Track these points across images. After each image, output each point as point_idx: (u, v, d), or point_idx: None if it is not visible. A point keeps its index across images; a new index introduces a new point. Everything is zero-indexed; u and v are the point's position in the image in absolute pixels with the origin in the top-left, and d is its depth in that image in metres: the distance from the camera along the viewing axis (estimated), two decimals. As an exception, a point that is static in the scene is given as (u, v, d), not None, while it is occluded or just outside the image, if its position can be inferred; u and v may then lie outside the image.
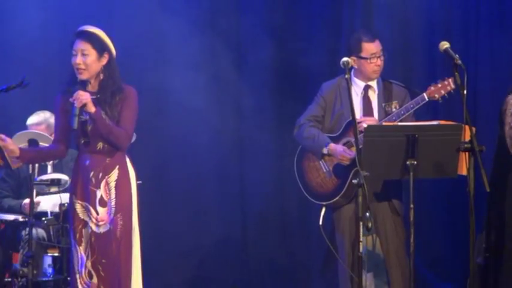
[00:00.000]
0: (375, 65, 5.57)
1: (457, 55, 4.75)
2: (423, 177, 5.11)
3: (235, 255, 7.29)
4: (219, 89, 7.22)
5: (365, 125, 5.15)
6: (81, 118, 4.89)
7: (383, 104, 5.61)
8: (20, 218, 6.14)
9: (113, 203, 4.97)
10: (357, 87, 5.65)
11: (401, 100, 5.60)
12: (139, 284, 5.05)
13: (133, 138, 5.35)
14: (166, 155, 7.28)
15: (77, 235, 4.97)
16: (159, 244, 6.99)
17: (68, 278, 5.59)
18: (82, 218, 4.98)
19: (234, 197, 7.31)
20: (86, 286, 4.94)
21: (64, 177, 6.06)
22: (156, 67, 7.17)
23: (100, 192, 4.97)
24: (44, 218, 6.15)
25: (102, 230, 4.96)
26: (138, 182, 5.15)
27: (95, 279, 4.93)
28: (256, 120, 7.21)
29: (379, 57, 5.57)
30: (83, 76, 4.96)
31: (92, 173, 4.98)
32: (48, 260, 6.15)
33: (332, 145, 5.53)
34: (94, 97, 4.93)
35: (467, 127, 4.75)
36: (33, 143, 5.75)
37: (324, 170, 5.60)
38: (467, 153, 4.70)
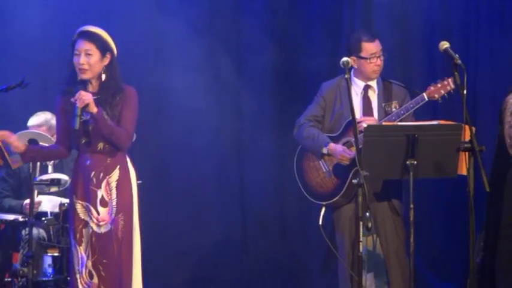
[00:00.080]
0: (375, 64, 5.57)
1: (456, 55, 4.75)
2: (423, 177, 5.11)
3: (235, 255, 7.29)
4: (219, 89, 7.22)
5: (365, 125, 5.15)
6: (82, 118, 4.89)
7: (383, 104, 5.61)
8: (20, 218, 6.14)
9: (114, 203, 4.97)
10: (357, 87, 5.65)
11: (401, 100, 5.60)
12: (139, 284, 5.05)
13: (133, 138, 5.35)
14: (166, 155, 7.28)
15: (77, 235, 4.97)
16: (159, 244, 6.99)
17: (68, 278, 5.59)
18: (82, 218, 4.98)
19: (234, 197, 7.31)
20: (86, 286, 4.93)
21: (64, 177, 6.06)
22: (155, 68, 7.17)
23: (101, 192, 4.98)
24: (44, 218, 6.15)
25: (103, 230, 4.96)
26: (138, 182, 5.15)
27: (95, 279, 4.93)
28: (256, 120, 7.21)
29: (378, 57, 5.57)
30: (86, 76, 4.96)
31: (92, 173, 4.98)
32: (48, 260, 6.14)
33: (332, 145, 5.53)
34: (95, 97, 4.93)
35: (467, 127, 4.75)
36: (33, 143, 5.74)
37: (324, 170, 5.60)
38: (467, 153, 4.70)
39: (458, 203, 6.30)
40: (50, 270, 6.12)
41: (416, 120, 5.48)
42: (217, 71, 7.22)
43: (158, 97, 7.12)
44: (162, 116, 7.19)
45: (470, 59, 6.64)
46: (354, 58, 5.50)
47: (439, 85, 5.45)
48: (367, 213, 4.51)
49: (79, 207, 5.00)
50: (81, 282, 4.94)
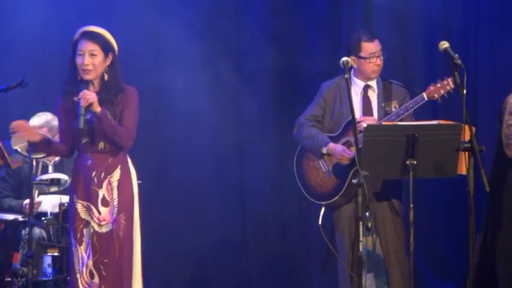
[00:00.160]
0: (374, 64, 5.57)
1: (456, 55, 4.74)
2: (423, 176, 5.11)
3: (235, 255, 7.29)
4: (219, 90, 7.22)
5: (365, 125, 5.15)
6: (85, 117, 4.89)
7: (382, 104, 5.61)
8: (20, 218, 6.14)
9: (116, 202, 4.98)
10: (357, 87, 5.65)
11: (401, 100, 5.60)
12: (140, 284, 5.05)
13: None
14: (166, 155, 7.28)
15: (78, 235, 4.98)
16: (159, 244, 6.99)
17: (68, 278, 5.59)
18: (83, 217, 4.99)
19: (234, 197, 7.31)
20: (87, 286, 4.94)
21: (64, 177, 6.07)
22: (155, 68, 7.17)
23: (102, 192, 4.98)
24: (43, 218, 6.15)
25: (104, 229, 4.96)
26: (138, 181, 5.16)
27: (96, 279, 4.94)
28: (256, 120, 7.21)
29: (378, 56, 5.57)
30: (90, 77, 4.97)
31: (94, 173, 4.99)
32: (48, 260, 6.14)
33: (331, 145, 5.53)
34: (98, 97, 4.93)
35: (467, 127, 4.75)
36: (33, 143, 5.74)
37: (324, 170, 5.60)
38: (467, 152, 4.69)
39: (458, 203, 6.31)
40: (49, 270, 6.12)
41: (416, 120, 5.47)
42: (217, 71, 7.22)
43: (158, 97, 7.12)
44: (162, 116, 7.19)
45: (470, 59, 6.64)
46: (354, 58, 5.50)
47: (439, 85, 5.45)
48: (367, 213, 4.51)
49: (80, 207, 5.00)
50: (81, 282, 4.94)
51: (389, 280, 5.56)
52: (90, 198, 4.98)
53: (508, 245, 5.12)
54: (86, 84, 4.98)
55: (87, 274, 4.94)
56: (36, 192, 6.17)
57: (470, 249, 4.63)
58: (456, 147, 4.84)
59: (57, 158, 6.48)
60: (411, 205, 4.93)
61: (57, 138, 6.15)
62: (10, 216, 6.19)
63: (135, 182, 5.09)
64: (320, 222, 5.55)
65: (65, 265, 5.93)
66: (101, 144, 5.00)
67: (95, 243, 4.95)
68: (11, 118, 6.76)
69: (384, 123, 5.41)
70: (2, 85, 5.22)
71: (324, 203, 5.60)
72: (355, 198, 4.63)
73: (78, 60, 4.97)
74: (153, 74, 7.11)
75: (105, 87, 4.99)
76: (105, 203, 4.98)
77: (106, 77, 5.00)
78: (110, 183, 4.99)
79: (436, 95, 5.44)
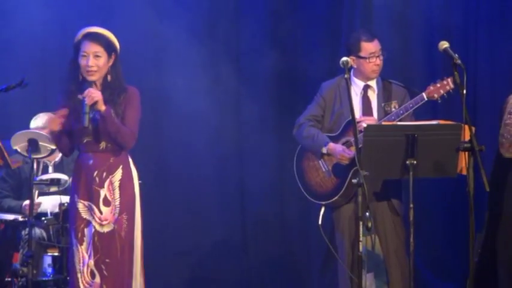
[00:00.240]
0: (374, 64, 5.57)
1: (456, 55, 4.74)
2: (423, 176, 5.10)
3: (235, 255, 7.29)
4: (219, 90, 7.22)
5: (364, 125, 5.15)
6: (90, 116, 4.89)
7: (382, 104, 5.61)
8: (20, 218, 6.14)
9: (117, 202, 4.98)
10: (357, 87, 5.65)
11: (401, 100, 5.60)
12: (141, 284, 5.05)
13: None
14: (166, 155, 7.28)
15: (79, 234, 4.97)
16: (159, 244, 6.99)
17: (68, 278, 5.59)
18: (84, 217, 4.99)
19: (234, 197, 7.31)
20: (88, 286, 4.93)
21: (64, 177, 6.07)
22: (155, 70, 7.17)
23: (104, 192, 4.99)
24: (43, 218, 6.15)
25: (105, 229, 4.96)
26: (139, 181, 5.16)
27: (97, 279, 4.94)
28: (257, 120, 7.21)
29: (378, 56, 5.56)
30: (94, 78, 4.98)
31: (95, 173, 4.99)
32: (48, 260, 6.15)
33: (331, 145, 5.52)
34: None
35: (466, 127, 4.75)
36: (33, 142, 5.75)
37: (324, 170, 5.60)
38: (466, 152, 4.69)
39: (458, 203, 6.30)
40: (49, 270, 6.12)
41: (416, 120, 5.47)
42: (217, 71, 7.22)
43: (159, 98, 7.12)
44: (163, 116, 7.19)
45: (470, 59, 6.64)
46: (353, 58, 5.50)
47: (439, 85, 5.44)
48: (367, 213, 4.51)
49: (81, 206, 5.00)
50: (82, 282, 4.94)
51: (389, 280, 5.56)
52: (92, 198, 4.98)
53: (508, 245, 5.12)
54: (89, 84, 4.98)
55: (88, 274, 4.94)
56: (36, 192, 6.17)
57: (470, 249, 4.63)
58: (456, 147, 4.85)
59: (57, 158, 6.49)
60: (411, 205, 4.92)
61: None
62: (10, 216, 6.19)
63: (136, 182, 5.10)
64: (320, 222, 5.55)
65: (65, 265, 5.93)
66: (103, 144, 5.01)
67: (96, 243, 4.95)
68: (11, 118, 6.83)
69: (383, 123, 5.41)
70: (2, 85, 5.22)
71: (323, 203, 5.60)
72: (355, 198, 4.64)
73: (82, 61, 4.97)
74: (153, 75, 7.11)
75: (108, 87, 4.99)
76: (106, 202, 4.98)
77: (109, 77, 5.01)
78: (111, 183, 5.00)
79: (435, 95, 5.44)
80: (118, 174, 5.02)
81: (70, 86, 5.03)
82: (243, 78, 7.28)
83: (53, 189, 6.12)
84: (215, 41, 7.24)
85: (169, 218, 7.19)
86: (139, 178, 5.19)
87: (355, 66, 5.58)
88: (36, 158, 5.89)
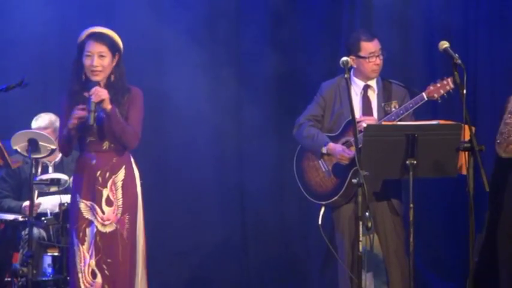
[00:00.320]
0: (374, 64, 5.56)
1: (456, 54, 4.74)
2: (423, 176, 5.10)
3: (235, 255, 7.29)
4: (219, 91, 7.22)
5: (364, 125, 5.14)
6: (95, 114, 4.88)
7: (382, 104, 5.61)
8: (20, 218, 6.14)
9: (120, 202, 4.98)
10: (357, 86, 5.64)
11: (401, 100, 5.59)
12: (144, 285, 5.05)
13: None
14: (167, 155, 7.28)
15: (80, 234, 4.97)
16: (159, 244, 6.99)
17: (68, 278, 5.59)
18: (86, 217, 4.98)
19: (234, 197, 7.31)
20: (89, 286, 4.93)
21: (64, 177, 6.07)
22: (156, 72, 7.17)
23: (107, 192, 4.98)
24: (43, 218, 6.15)
25: (108, 229, 4.96)
26: (140, 181, 5.17)
27: (99, 279, 4.93)
28: (257, 121, 7.21)
29: (378, 56, 5.56)
30: (98, 78, 4.97)
31: (98, 172, 4.98)
32: (47, 260, 6.15)
33: (331, 144, 5.52)
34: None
35: (466, 127, 4.75)
36: (33, 142, 5.75)
37: (323, 170, 5.60)
38: (466, 152, 4.69)
39: (458, 203, 6.29)
40: (49, 270, 6.13)
41: (416, 119, 5.47)
42: (217, 72, 7.22)
43: (159, 99, 7.11)
44: (163, 117, 7.19)
45: (470, 59, 6.64)
46: (353, 57, 5.50)
47: (439, 85, 5.44)
48: (367, 213, 4.51)
49: (83, 206, 4.99)
50: (83, 282, 4.93)
51: (389, 280, 5.55)
52: (94, 197, 4.98)
53: (509, 244, 5.12)
54: (94, 83, 4.97)
55: (89, 274, 4.94)
56: (36, 192, 6.17)
57: (470, 249, 4.63)
58: (456, 147, 4.85)
59: (57, 159, 6.49)
60: (411, 205, 4.92)
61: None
62: (10, 216, 6.20)
63: (138, 182, 5.10)
64: (320, 222, 5.54)
65: (65, 265, 5.93)
66: (106, 144, 5.01)
67: (98, 243, 4.94)
68: (11, 118, 6.83)
69: (383, 123, 5.40)
70: (2, 85, 5.21)
71: (323, 202, 5.59)
72: (355, 198, 4.64)
73: (87, 61, 4.97)
74: (153, 76, 7.11)
75: (112, 87, 4.98)
76: (109, 202, 4.98)
77: (112, 77, 5.02)
78: (114, 183, 5.00)
79: (435, 95, 5.44)
80: (121, 174, 5.02)
81: (74, 86, 5.02)
82: (243, 78, 7.28)
83: (53, 189, 6.13)
84: (215, 42, 7.24)
85: (169, 218, 7.19)
86: (141, 178, 5.19)
87: (355, 66, 5.58)
88: (36, 158, 5.89)
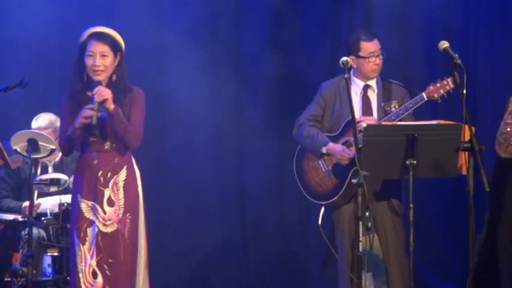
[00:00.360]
0: (374, 64, 5.56)
1: (456, 54, 4.74)
2: (423, 176, 5.10)
3: (235, 255, 7.29)
4: (219, 92, 7.22)
5: (364, 125, 5.15)
6: (98, 114, 4.87)
7: (382, 104, 5.60)
8: (20, 218, 6.14)
9: (121, 202, 4.98)
10: (356, 86, 5.64)
11: (401, 100, 5.59)
12: (146, 285, 5.05)
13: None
14: (167, 156, 7.28)
15: (81, 234, 4.96)
16: (159, 244, 6.98)
17: (68, 278, 5.59)
18: (87, 217, 4.97)
19: (234, 197, 7.31)
20: (89, 286, 4.92)
21: (64, 177, 6.07)
22: (156, 73, 7.17)
23: (108, 192, 4.98)
24: (43, 218, 6.15)
25: (109, 229, 4.96)
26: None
27: (99, 279, 4.93)
28: (257, 121, 7.21)
29: (377, 56, 5.56)
30: (100, 78, 4.97)
31: (100, 172, 4.98)
32: (47, 260, 6.15)
33: (331, 144, 5.52)
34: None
35: (466, 127, 4.74)
36: (33, 142, 5.75)
37: (323, 170, 5.60)
38: (466, 152, 4.69)
39: (458, 203, 6.30)
40: (49, 270, 6.12)
41: (416, 120, 5.47)
42: (217, 73, 7.22)
43: (159, 100, 7.11)
44: (163, 117, 7.19)
45: (470, 59, 6.64)
46: (353, 57, 5.50)
47: (439, 85, 5.44)
48: (367, 213, 4.51)
49: (84, 206, 4.99)
50: (84, 282, 4.93)
51: (389, 280, 5.55)
52: (96, 197, 4.98)
53: (510, 245, 5.12)
54: (97, 83, 4.97)
55: (90, 274, 4.93)
56: (36, 192, 6.17)
57: (470, 249, 4.63)
58: (456, 147, 4.85)
59: (57, 158, 6.49)
60: (411, 205, 4.92)
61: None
62: (10, 216, 6.20)
63: (139, 182, 5.10)
64: (320, 222, 5.54)
65: (65, 265, 5.93)
66: (108, 144, 5.01)
67: (99, 243, 4.94)
68: (11, 118, 6.83)
69: (383, 123, 5.40)
70: (2, 85, 5.21)
71: (323, 202, 5.59)
72: (355, 198, 4.64)
73: (89, 61, 4.97)
74: (153, 77, 7.10)
75: (114, 86, 4.98)
76: (110, 203, 4.98)
77: (114, 77, 5.01)
78: (116, 183, 5.00)
79: (435, 95, 5.44)
80: (122, 174, 5.02)
81: (76, 86, 5.02)
82: (243, 79, 7.29)
83: (53, 189, 6.12)
84: (215, 43, 7.24)
85: (169, 218, 7.19)
86: (141, 178, 5.19)
87: (354, 66, 5.58)
88: (36, 158, 5.89)
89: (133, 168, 5.09)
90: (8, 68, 6.89)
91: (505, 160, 5.13)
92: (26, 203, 6.02)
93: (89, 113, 4.86)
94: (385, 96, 5.63)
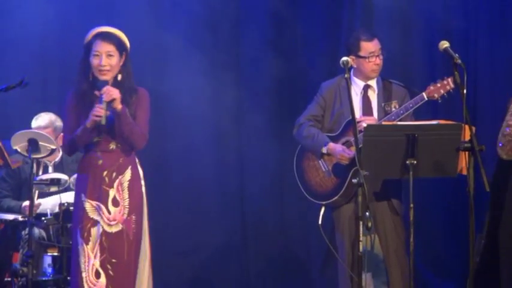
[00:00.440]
0: (374, 63, 5.56)
1: (456, 54, 4.74)
2: (423, 176, 5.10)
3: (235, 255, 7.29)
4: (220, 92, 7.22)
5: (364, 125, 5.15)
6: (106, 113, 4.86)
7: (382, 104, 5.61)
8: (20, 218, 6.13)
9: (126, 203, 4.98)
10: (357, 86, 5.64)
11: (401, 100, 5.60)
12: (150, 285, 5.05)
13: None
14: (167, 156, 7.28)
15: (85, 234, 4.96)
16: (159, 244, 6.97)
17: (68, 278, 5.59)
18: (92, 217, 4.97)
19: (234, 197, 7.32)
20: (92, 286, 4.92)
21: (64, 177, 6.06)
22: (156, 75, 7.17)
23: (113, 192, 4.98)
24: (43, 218, 6.15)
25: (114, 229, 4.96)
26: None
27: (102, 279, 4.93)
28: (257, 122, 7.21)
29: (377, 56, 5.56)
30: (107, 77, 4.97)
31: (105, 173, 4.98)
32: (47, 260, 6.14)
33: (331, 144, 5.52)
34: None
35: (467, 126, 4.74)
36: (33, 142, 5.75)
37: (323, 170, 5.60)
38: (467, 152, 4.69)
39: (458, 203, 6.30)
40: (49, 269, 6.12)
41: (416, 120, 5.47)
42: (218, 75, 7.22)
43: (160, 101, 7.09)
44: (164, 118, 7.19)
45: (470, 59, 6.64)
46: (353, 57, 5.50)
47: (439, 85, 5.44)
48: (367, 213, 4.51)
49: (88, 206, 4.99)
50: (86, 282, 4.93)
51: (389, 280, 5.55)
52: (100, 197, 4.98)
53: (511, 245, 5.12)
54: (103, 83, 4.96)
55: (93, 274, 4.93)
56: (36, 192, 6.17)
57: (470, 249, 4.63)
58: (456, 147, 4.85)
59: (57, 158, 6.49)
60: (411, 205, 4.92)
61: (60, 138, 6.17)
62: (10, 216, 6.19)
63: (143, 183, 5.11)
64: (320, 222, 5.54)
65: (65, 265, 5.92)
66: (112, 144, 5.01)
67: (103, 243, 4.94)
68: (11, 118, 6.83)
69: (383, 123, 5.41)
70: (2, 85, 5.21)
71: (323, 202, 5.59)
72: (355, 198, 4.63)
73: (95, 61, 4.96)
74: (154, 79, 7.09)
75: (119, 86, 4.97)
76: (115, 203, 4.98)
77: (119, 77, 5.01)
78: (121, 183, 5.00)
79: (436, 95, 5.44)
80: (127, 174, 5.02)
81: (82, 85, 5.02)
82: (244, 81, 7.29)
83: (53, 189, 6.12)
84: (216, 45, 7.25)
85: (169, 218, 7.19)
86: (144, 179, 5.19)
87: (355, 66, 5.58)
88: (36, 158, 5.89)
89: (137, 169, 5.09)
90: (8, 68, 6.88)
91: (506, 161, 5.12)
92: (26, 203, 6.02)
93: (100, 112, 4.85)
94: (385, 96, 5.63)
